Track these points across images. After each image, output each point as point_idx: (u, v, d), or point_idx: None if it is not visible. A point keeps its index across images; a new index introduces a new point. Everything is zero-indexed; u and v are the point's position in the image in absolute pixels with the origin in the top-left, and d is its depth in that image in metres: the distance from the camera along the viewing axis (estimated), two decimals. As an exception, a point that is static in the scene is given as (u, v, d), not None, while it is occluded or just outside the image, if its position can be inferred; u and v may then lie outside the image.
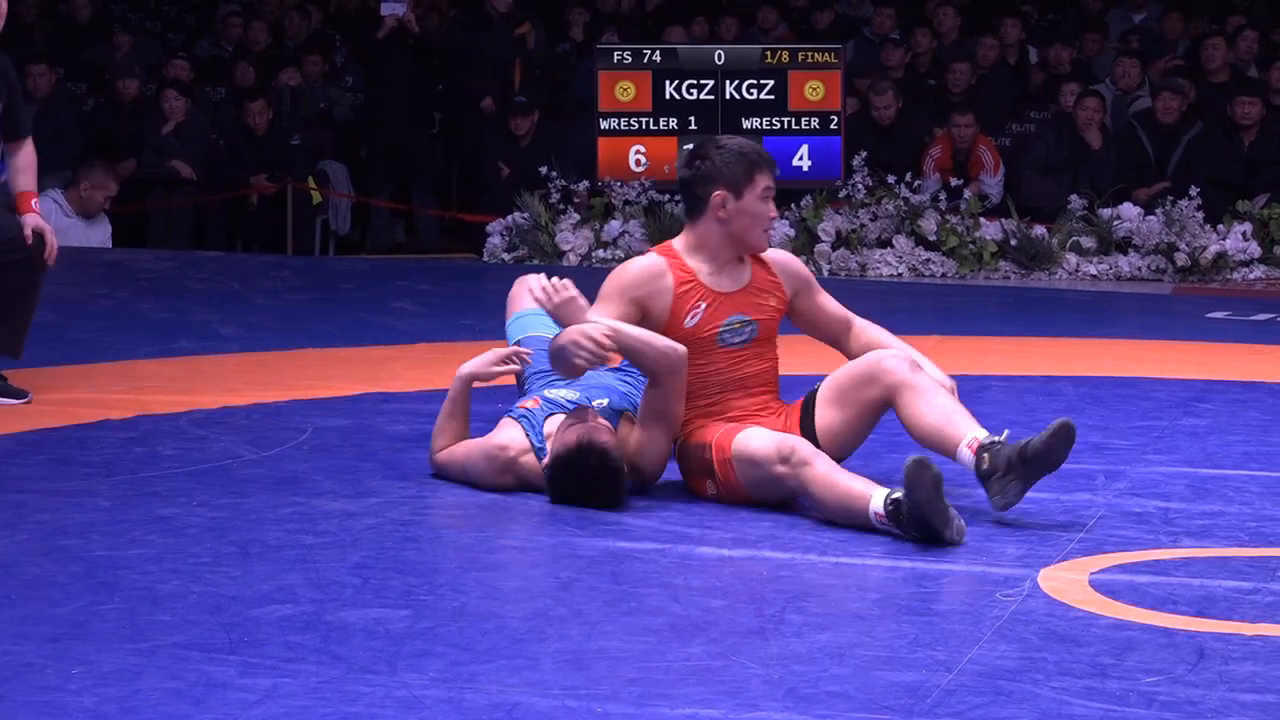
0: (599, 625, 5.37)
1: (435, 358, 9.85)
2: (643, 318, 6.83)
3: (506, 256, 15.21)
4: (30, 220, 8.64)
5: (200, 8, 20.82)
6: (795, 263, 7.30)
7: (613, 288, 6.87)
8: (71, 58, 19.00)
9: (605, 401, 7.08)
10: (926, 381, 6.76)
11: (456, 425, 7.20)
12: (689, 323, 6.86)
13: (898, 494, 6.30)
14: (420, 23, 18.33)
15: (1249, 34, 18.07)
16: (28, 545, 6.14)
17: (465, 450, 7.11)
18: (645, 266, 6.93)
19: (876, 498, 6.37)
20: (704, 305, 6.89)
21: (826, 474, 6.52)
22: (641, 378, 7.08)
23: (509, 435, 7.00)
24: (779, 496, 6.70)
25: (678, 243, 7.02)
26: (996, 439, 6.52)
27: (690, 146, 7.10)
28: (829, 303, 7.23)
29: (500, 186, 16.67)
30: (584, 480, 6.70)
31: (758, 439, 6.68)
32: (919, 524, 6.23)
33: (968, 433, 6.59)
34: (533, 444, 6.93)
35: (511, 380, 7.50)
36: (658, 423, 6.85)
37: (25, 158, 8.91)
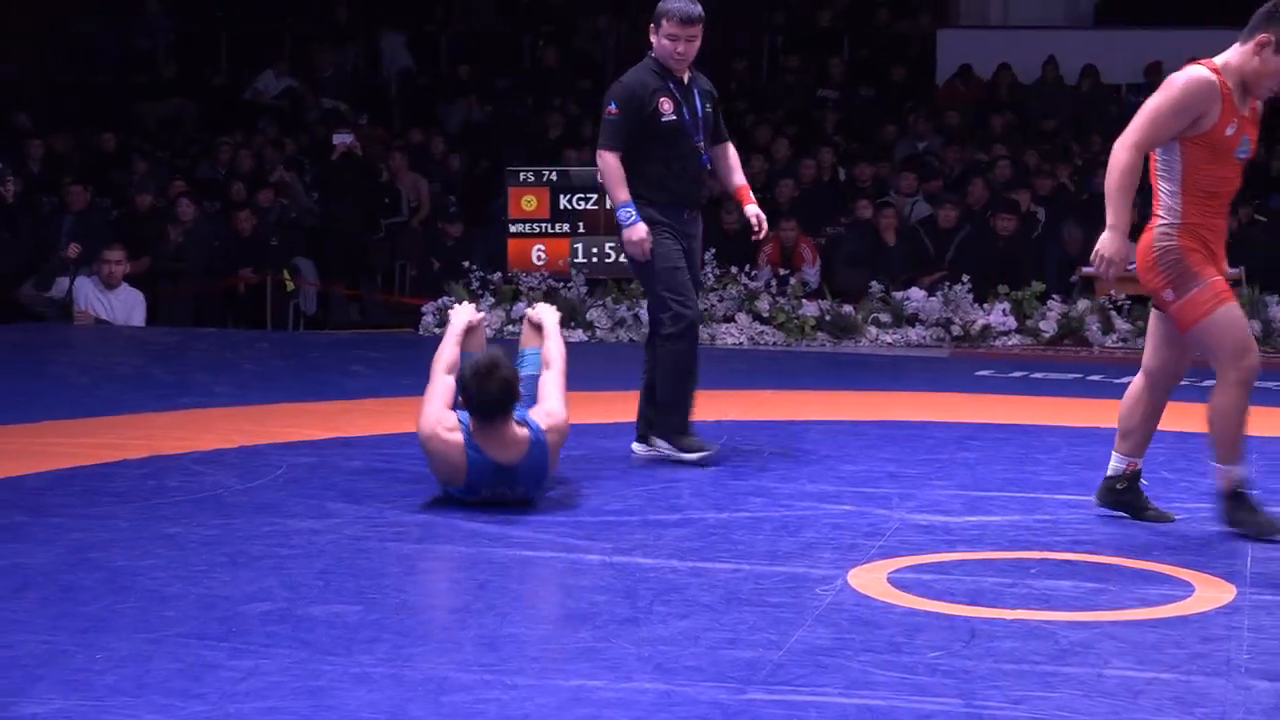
0: (509, 616, 5.35)
1: (382, 410, 9.80)
2: (1192, 124, 6.39)
3: (437, 330, 15.14)
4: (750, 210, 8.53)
5: (199, 140, 20.72)
6: None
7: (1178, 104, 6.34)
8: (100, 178, 18.90)
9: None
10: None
11: (450, 355, 7.34)
12: (1229, 131, 6.41)
13: (1244, 492, 6.50)
14: (367, 152, 18.41)
15: (1003, 163, 18.22)
16: (63, 557, 6.06)
17: (438, 388, 7.15)
18: (1207, 85, 6.37)
19: (1239, 471, 6.49)
20: (1236, 121, 6.42)
21: (1239, 401, 6.42)
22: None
23: (457, 417, 6.97)
24: (1187, 359, 6.66)
25: (1221, 60, 6.46)
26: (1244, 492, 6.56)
27: None
28: None
29: (433, 277, 16.68)
30: (479, 371, 6.78)
31: (1238, 324, 6.44)
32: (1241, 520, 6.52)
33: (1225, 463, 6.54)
34: (463, 429, 6.90)
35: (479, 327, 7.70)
36: None
37: (733, 158, 8.59)
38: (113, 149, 19.86)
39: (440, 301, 15.41)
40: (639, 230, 8.03)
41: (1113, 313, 14.30)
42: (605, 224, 15.58)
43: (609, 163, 8.08)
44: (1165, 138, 6.43)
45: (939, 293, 14.89)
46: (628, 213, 8.04)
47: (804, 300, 15.08)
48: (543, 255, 15.56)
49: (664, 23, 8.11)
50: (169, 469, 7.92)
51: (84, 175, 18.27)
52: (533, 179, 15.80)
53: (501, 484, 6.95)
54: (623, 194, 8.06)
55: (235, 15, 23.29)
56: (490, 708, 4.43)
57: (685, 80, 8.23)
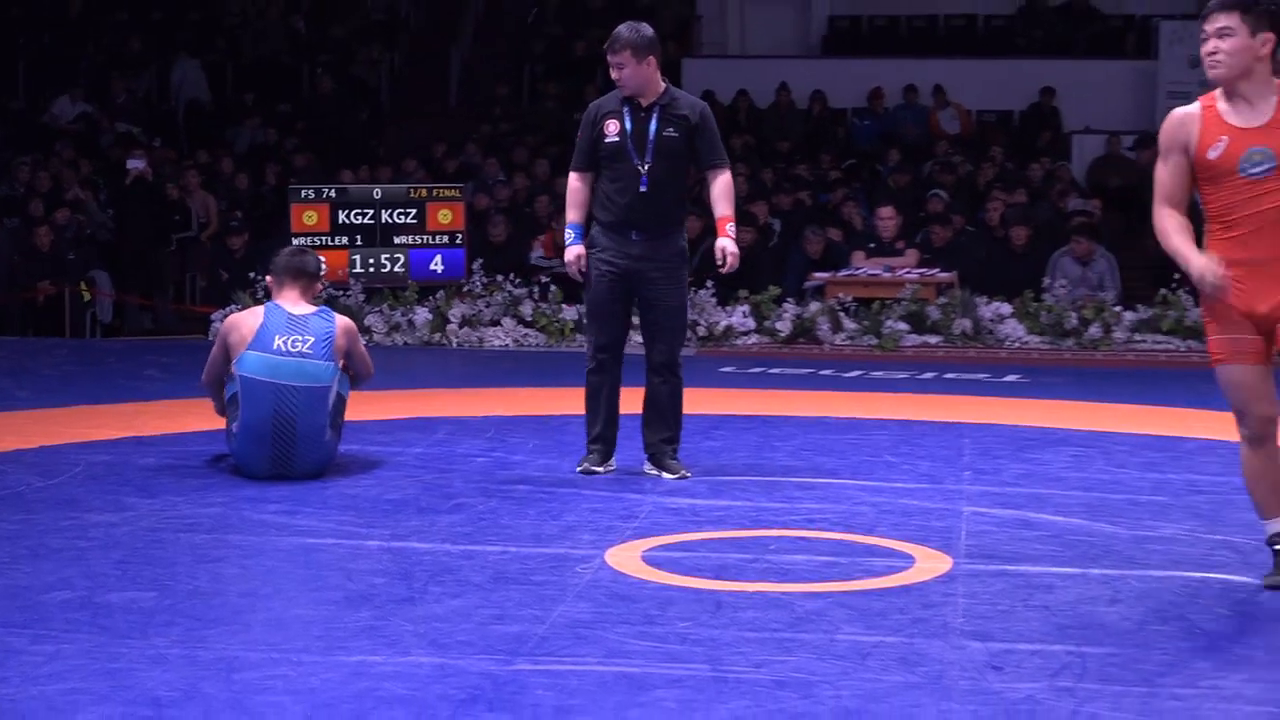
0: (295, 599, 5.31)
1: (175, 411, 9.66)
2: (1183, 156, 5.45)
3: (226, 337, 14.98)
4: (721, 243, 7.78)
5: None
6: None
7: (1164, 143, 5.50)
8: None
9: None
10: None
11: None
12: (1210, 154, 5.40)
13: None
14: (157, 173, 18.18)
15: (741, 179, 18.39)
16: None
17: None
18: (1175, 116, 5.51)
19: (1271, 525, 5.53)
20: (1224, 139, 5.41)
21: (1249, 459, 5.53)
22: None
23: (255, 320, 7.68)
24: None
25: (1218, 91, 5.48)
26: None
27: None
28: None
29: (222, 287, 16.47)
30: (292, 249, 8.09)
31: (1233, 386, 5.47)
32: None
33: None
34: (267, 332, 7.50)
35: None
36: None
37: (719, 186, 7.82)
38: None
39: (228, 309, 15.21)
40: (569, 252, 7.76)
41: (841, 314, 14.50)
42: (381, 237, 15.50)
43: (568, 182, 7.90)
44: (1177, 184, 5.53)
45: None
46: (567, 234, 7.80)
47: (564, 304, 15.11)
48: (323, 266, 15.36)
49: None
50: (-28, 469, 7.74)
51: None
52: (313, 196, 15.67)
53: (294, 329, 7.55)
54: (569, 215, 7.82)
55: (33, 44, 22.83)
56: (278, 683, 4.39)
57: (647, 104, 7.78)
